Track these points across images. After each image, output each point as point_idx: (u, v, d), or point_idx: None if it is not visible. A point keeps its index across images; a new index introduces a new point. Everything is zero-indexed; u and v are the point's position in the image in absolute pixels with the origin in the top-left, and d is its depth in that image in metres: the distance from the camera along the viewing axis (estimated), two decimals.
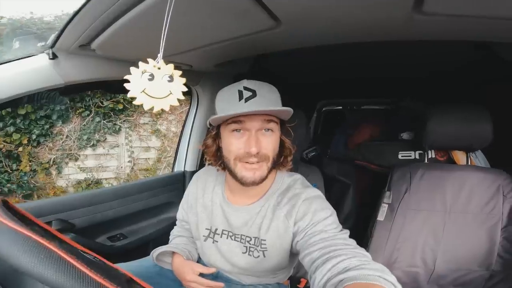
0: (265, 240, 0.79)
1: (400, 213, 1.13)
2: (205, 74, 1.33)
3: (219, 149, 0.81)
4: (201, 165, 1.52)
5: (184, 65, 1.09)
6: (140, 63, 0.49)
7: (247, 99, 0.72)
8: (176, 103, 0.50)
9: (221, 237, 0.85)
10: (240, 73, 1.34)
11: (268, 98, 0.74)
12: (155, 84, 0.49)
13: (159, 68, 0.50)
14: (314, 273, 0.59)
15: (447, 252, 1.10)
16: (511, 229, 1.05)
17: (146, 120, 4.33)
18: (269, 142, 0.74)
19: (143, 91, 0.48)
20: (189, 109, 1.53)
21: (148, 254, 0.92)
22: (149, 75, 0.49)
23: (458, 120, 1.12)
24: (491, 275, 1.07)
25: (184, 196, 0.98)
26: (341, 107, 3.03)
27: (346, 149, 1.76)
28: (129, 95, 0.48)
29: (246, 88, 0.73)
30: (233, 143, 0.74)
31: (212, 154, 0.83)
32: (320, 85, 2.08)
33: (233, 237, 0.84)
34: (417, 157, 1.49)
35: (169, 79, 0.50)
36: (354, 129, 1.77)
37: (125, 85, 0.48)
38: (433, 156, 1.45)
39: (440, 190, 1.15)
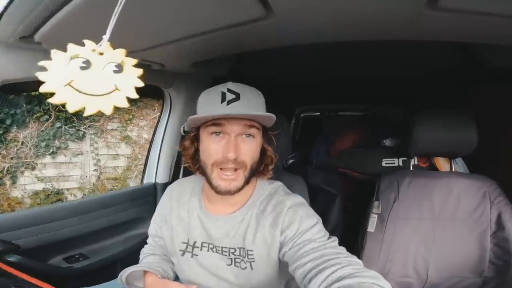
0: (252, 250, 0.74)
1: (390, 223, 1.09)
2: (179, 75, 1.20)
3: (197, 151, 0.77)
4: (174, 176, 1.38)
5: (155, 64, 0.96)
6: (70, 46, 0.35)
7: (229, 102, 0.69)
8: (124, 104, 0.35)
9: (201, 250, 0.79)
10: (220, 75, 1.23)
11: (252, 103, 0.71)
12: (91, 75, 0.34)
13: (101, 54, 0.36)
14: (308, 284, 0.58)
15: (439, 260, 1.08)
16: (501, 235, 1.04)
17: (115, 126, 4.08)
18: (248, 148, 0.71)
19: (68, 83, 0.33)
20: (160, 114, 1.39)
21: (116, 276, 0.82)
22: (83, 62, 0.34)
23: (445, 127, 1.11)
24: (484, 282, 1.06)
25: (156, 209, 0.91)
26: (318, 113, 3.01)
27: (328, 156, 1.71)
28: (42, 88, 0.33)
29: (230, 90, 0.70)
30: (212, 147, 0.71)
31: (190, 157, 0.79)
32: (301, 89, 2.02)
33: (214, 249, 0.78)
34: (401, 164, 1.48)
35: (115, 69, 0.35)
36: (336, 136, 1.73)
37: (38, 74, 0.33)
38: (416, 162, 1.44)
39: (427, 198, 1.12)
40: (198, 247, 0.79)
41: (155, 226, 0.90)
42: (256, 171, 0.76)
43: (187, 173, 1.46)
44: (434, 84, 1.58)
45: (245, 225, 0.76)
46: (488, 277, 1.05)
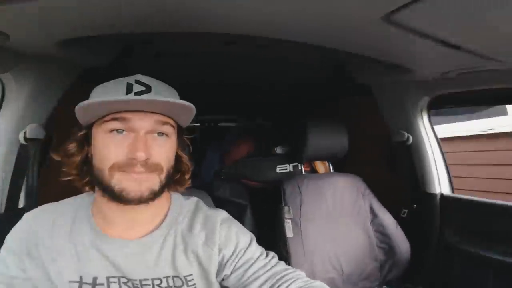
0: (191, 274, 0.63)
1: (303, 226, 1.15)
2: (29, 58, 0.80)
3: (86, 159, 0.60)
4: (10, 203, 0.89)
5: None
6: None
7: (137, 93, 0.56)
8: None
9: (108, 287, 0.60)
10: (95, 65, 0.91)
11: (166, 96, 0.58)
12: None
13: None
14: None
15: (345, 253, 1.19)
16: (377, 221, 1.25)
17: None
18: (163, 149, 0.58)
19: None
20: None
21: None
22: None
23: (332, 134, 1.29)
24: (381, 265, 1.23)
25: (7, 242, 0.63)
26: (198, 124, 2.91)
27: (222, 165, 1.66)
28: None
29: (138, 82, 0.57)
30: (111, 148, 0.55)
31: (75, 166, 0.60)
32: (185, 96, 1.86)
33: (129, 284, 0.60)
34: (291, 169, 1.60)
35: None
36: (230, 145, 1.70)
37: None
38: (302, 167, 1.59)
39: (323, 198, 1.24)
40: (102, 284, 0.60)
41: (10, 266, 0.61)
42: (172, 180, 0.63)
43: (32, 199, 0.98)
44: (310, 95, 1.81)
45: (170, 248, 0.63)
46: (382, 260, 1.23)
